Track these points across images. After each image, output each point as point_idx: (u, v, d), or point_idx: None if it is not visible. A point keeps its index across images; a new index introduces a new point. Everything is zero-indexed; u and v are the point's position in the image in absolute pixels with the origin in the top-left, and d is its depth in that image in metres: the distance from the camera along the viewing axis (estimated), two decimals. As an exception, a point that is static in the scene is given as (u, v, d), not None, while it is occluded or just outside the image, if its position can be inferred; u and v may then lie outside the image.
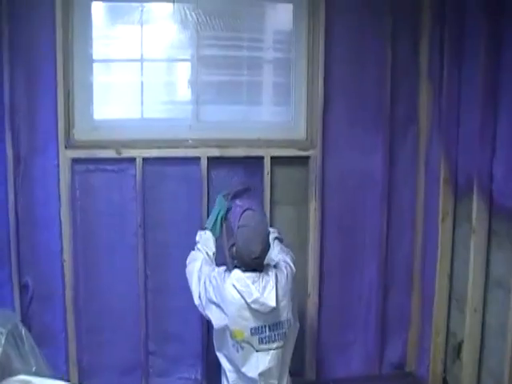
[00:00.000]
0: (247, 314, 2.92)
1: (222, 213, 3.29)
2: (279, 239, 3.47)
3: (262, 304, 2.89)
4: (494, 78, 3.37)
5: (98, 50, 3.79)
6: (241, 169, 3.88)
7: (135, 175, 3.73)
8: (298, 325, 3.15)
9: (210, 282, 3.02)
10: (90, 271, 3.80)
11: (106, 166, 3.74)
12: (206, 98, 3.92)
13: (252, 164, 3.87)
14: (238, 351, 2.98)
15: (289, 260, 3.20)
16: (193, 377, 3.99)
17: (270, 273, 3.00)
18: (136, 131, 3.81)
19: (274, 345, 2.98)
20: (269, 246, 3.10)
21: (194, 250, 3.31)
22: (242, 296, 2.90)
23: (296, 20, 3.95)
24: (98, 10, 3.78)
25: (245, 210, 3.12)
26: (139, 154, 3.72)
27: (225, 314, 2.94)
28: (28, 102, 3.62)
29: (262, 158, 3.84)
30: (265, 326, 2.95)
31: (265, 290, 2.92)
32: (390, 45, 3.91)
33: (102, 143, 3.72)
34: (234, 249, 3.03)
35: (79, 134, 3.74)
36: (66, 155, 3.64)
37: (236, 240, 3.02)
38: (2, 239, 3.64)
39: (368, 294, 4.10)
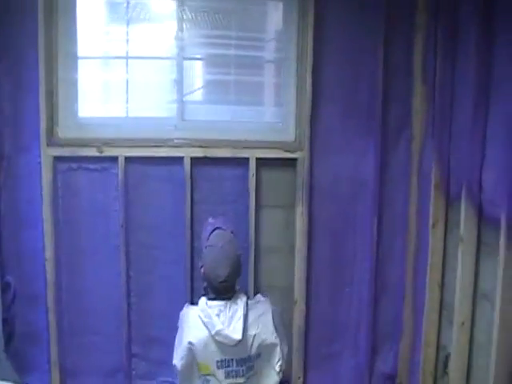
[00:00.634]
0: (213, 346, 2.80)
1: None
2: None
3: (226, 336, 2.75)
4: (486, 80, 3.14)
5: (84, 47, 3.67)
6: (226, 170, 3.72)
7: (117, 174, 3.62)
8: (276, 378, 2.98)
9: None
10: (73, 271, 3.69)
11: (88, 165, 3.63)
12: (192, 98, 3.79)
13: (238, 165, 3.71)
14: (207, 383, 2.86)
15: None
16: (176, 381, 3.86)
17: (239, 301, 2.86)
18: (120, 129, 3.69)
19: (241, 380, 2.86)
20: (239, 269, 2.94)
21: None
22: (207, 327, 2.78)
23: (286, 19, 3.78)
24: (83, 7, 3.65)
25: (214, 229, 3.03)
26: (121, 152, 3.60)
27: (189, 350, 2.82)
28: (13, 101, 3.55)
29: (247, 160, 3.70)
30: (231, 360, 2.82)
31: (231, 320, 2.78)
32: (382, 46, 3.69)
33: (85, 141, 3.62)
34: (202, 270, 2.92)
35: (63, 131, 3.64)
36: (48, 153, 3.55)
37: (204, 261, 2.92)
38: (-16, 237, 3.59)
39: (358, 303, 3.89)
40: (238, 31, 3.77)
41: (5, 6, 3.48)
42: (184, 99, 3.74)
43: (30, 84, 3.52)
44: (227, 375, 2.82)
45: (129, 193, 3.65)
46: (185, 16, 3.67)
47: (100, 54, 3.78)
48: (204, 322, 2.79)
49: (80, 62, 3.69)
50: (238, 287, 2.98)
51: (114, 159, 3.60)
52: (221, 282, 2.82)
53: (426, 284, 3.62)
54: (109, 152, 3.60)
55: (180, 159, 3.63)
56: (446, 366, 3.47)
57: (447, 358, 3.45)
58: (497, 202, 3.06)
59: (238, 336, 2.75)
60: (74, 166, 3.62)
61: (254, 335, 2.84)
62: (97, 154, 3.59)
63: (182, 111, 3.74)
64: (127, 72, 3.76)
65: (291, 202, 3.76)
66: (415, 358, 3.78)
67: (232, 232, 3.12)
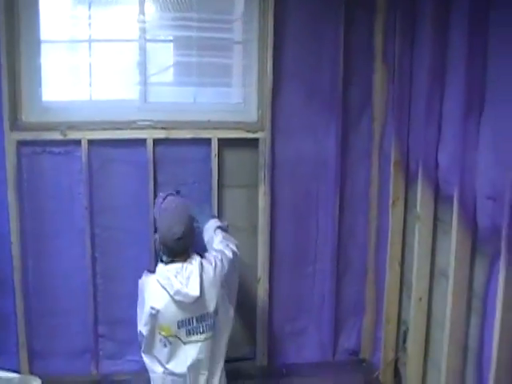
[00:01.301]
0: (173, 307, 2.77)
1: None
2: (222, 228, 3.27)
3: (185, 295, 2.74)
4: (441, 62, 3.09)
5: (47, 31, 3.58)
6: (190, 152, 3.66)
7: (81, 157, 3.55)
8: (231, 314, 2.97)
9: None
10: (39, 254, 3.63)
11: (52, 149, 3.56)
12: (156, 80, 3.70)
13: (201, 146, 3.64)
14: (165, 346, 2.82)
15: (228, 249, 3.01)
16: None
17: (193, 262, 2.85)
18: (84, 113, 3.61)
19: (203, 336, 2.84)
20: (193, 230, 2.94)
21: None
22: (166, 290, 2.76)
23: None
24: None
25: (166, 196, 3.05)
26: (84, 135, 3.53)
27: (151, 315, 2.78)
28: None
29: (209, 140, 3.63)
30: (192, 318, 2.80)
31: (188, 280, 2.77)
32: (343, 26, 3.63)
33: (49, 125, 3.54)
34: (158, 236, 2.89)
35: (28, 116, 3.56)
36: (12, 137, 3.47)
37: (159, 226, 2.91)
38: None
39: (321, 281, 3.86)
40: (201, 13, 3.66)
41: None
42: (147, 81, 3.66)
43: (-6, 69, 3.47)
44: (188, 333, 2.81)
45: (93, 176, 3.59)
46: (146, -2, 3.60)
47: (63, 37, 3.67)
48: (163, 285, 2.77)
49: (43, 47, 3.61)
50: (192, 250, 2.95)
51: (78, 142, 3.53)
52: (177, 240, 2.80)
53: (386, 261, 3.60)
54: (72, 135, 3.53)
55: (143, 141, 3.57)
56: (404, 340, 3.46)
57: (405, 332, 3.43)
58: (451, 180, 3.03)
59: (196, 293, 2.74)
60: (39, 149, 3.55)
61: (209, 292, 2.82)
62: (60, 138, 3.52)
63: (145, 93, 3.66)
64: (90, 55, 3.67)
65: (254, 181, 3.71)
66: (378, 334, 3.77)
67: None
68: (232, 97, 3.85)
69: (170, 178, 3.66)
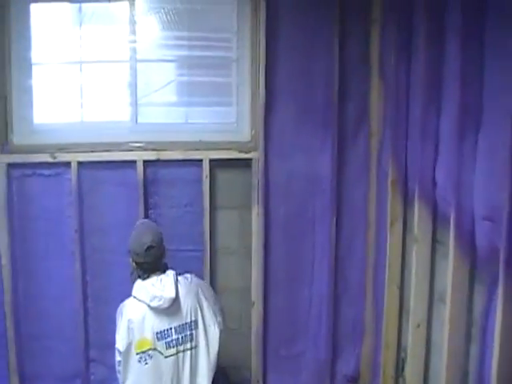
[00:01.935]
0: (151, 317, 2.68)
1: None
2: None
3: (161, 298, 2.65)
4: (437, 77, 2.82)
5: (38, 53, 3.42)
6: (181, 173, 3.44)
7: (71, 179, 3.35)
8: (217, 330, 2.81)
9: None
10: (30, 277, 3.46)
11: (42, 171, 3.38)
12: (146, 100, 3.49)
13: (192, 167, 3.42)
14: (146, 363, 2.69)
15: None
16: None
17: (169, 274, 2.77)
18: (75, 135, 3.43)
19: (182, 347, 2.73)
20: (162, 243, 2.81)
21: None
22: (143, 302, 2.68)
23: (239, 17, 3.46)
24: (36, 12, 3.40)
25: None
26: (74, 158, 3.34)
27: (129, 329, 2.67)
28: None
29: (201, 161, 3.40)
30: (170, 329, 2.71)
31: (164, 287, 2.69)
32: (338, 40, 3.37)
33: (39, 148, 3.38)
34: (130, 253, 2.80)
35: (18, 138, 3.40)
36: (1, 160, 3.31)
37: (130, 245, 2.81)
38: None
39: (318, 304, 3.57)
40: (192, 31, 3.47)
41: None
42: (138, 102, 3.46)
43: (-16, 91, 3.29)
44: (168, 346, 2.71)
45: (83, 198, 3.41)
46: (136, 18, 3.38)
47: (54, 59, 3.48)
48: (139, 299, 2.70)
49: (34, 68, 3.44)
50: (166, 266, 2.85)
51: (68, 164, 3.35)
52: (147, 249, 2.72)
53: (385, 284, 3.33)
54: (62, 157, 3.35)
55: (133, 163, 3.36)
56: (402, 369, 3.18)
57: (404, 360, 3.15)
58: (447, 199, 2.77)
59: (171, 294, 2.68)
60: (29, 172, 3.38)
61: (187, 302, 2.75)
62: (50, 160, 3.35)
63: (136, 115, 3.47)
64: (81, 77, 3.48)
65: (247, 202, 3.47)
66: (378, 359, 3.45)
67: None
68: (225, 116, 3.59)
69: (162, 200, 3.46)
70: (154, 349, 2.68)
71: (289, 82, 3.43)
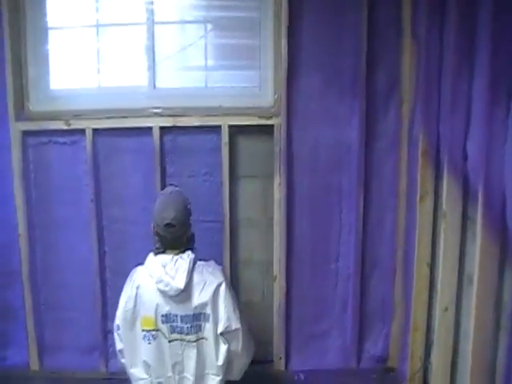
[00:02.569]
0: (157, 297, 2.47)
1: None
2: None
3: (167, 284, 2.43)
4: (469, 42, 2.52)
5: (54, 17, 3.23)
6: (199, 140, 3.20)
7: (86, 147, 3.20)
8: (237, 326, 2.52)
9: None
10: (48, 247, 3.33)
11: (58, 139, 3.23)
12: (164, 64, 3.24)
13: (212, 134, 3.18)
14: (150, 342, 2.50)
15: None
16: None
17: (185, 257, 2.51)
18: (91, 101, 3.24)
19: (187, 337, 2.49)
20: (186, 218, 2.56)
21: None
22: (152, 277, 2.47)
23: (262, -27, 3.16)
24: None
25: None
26: (89, 124, 3.17)
27: (138, 298, 2.50)
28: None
29: (220, 128, 3.16)
30: (176, 316, 2.48)
31: (176, 272, 2.46)
32: (367, 2, 3.04)
33: (54, 114, 3.22)
34: (152, 224, 2.58)
35: (34, 105, 3.25)
36: (17, 128, 3.18)
37: (154, 211, 2.57)
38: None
39: (345, 281, 3.31)
40: (211, -10, 3.20)
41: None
42: (156, 66, 3.23)
43: (-1, 59, 3.17)
44: (172, 330, 2.49)
45: (99, 166, 3.23)
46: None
47: (70, 23, 3.27)
48: (149, 272, 2.50)
49: (50, 33, 3.26)
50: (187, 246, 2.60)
51: (82, 132, 3.18)
52: (166, 226, 2.48)
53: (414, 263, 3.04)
54: (76, 125, 3.18)
55: (149, 130, 3.16)
56: (429, 354, 2.91)
57: (431, 345, 2.88)
58: (478, 173, 2.45)
59: (179, 285, 2.43)
60: (45, 139, 3.23)
61: (198, 295, 2.48)
62: (64, 127, 3.18)
63: (153, 79, 3.24)
64: (98, 41, 3.28)
65: (269, 172, 3.22)
66: (406, 341, 3.17)
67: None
68: (247, 80, 3.30)
69: (180, 169, 3.24)
70: (158, 330, 2.49)
71: (314, 44, 3.13)
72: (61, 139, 3.23)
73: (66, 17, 3.28)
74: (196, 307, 2.48)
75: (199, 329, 2.51)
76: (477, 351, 2.42)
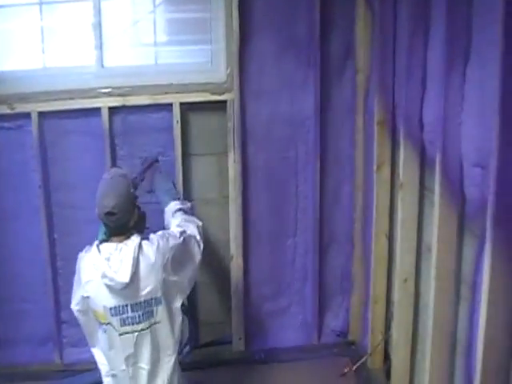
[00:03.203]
0: (104, 291, 2.27)
1: None
2: (184, 210, 2.65)
3: (112, 279, 2.22)
4: (424, 5, 2.40)
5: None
6: (151, 119, 3.05)
7: (32, 131, 3.01)
8: (177, 305, 2.40)
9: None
10: (-3, 235, 3.16)
11: (2, 123, 3.02)
12: (112, 42, 3.05)
13: (163, 113, 3.03)
14: (104, 332, 2.33)
15: (183, 232, 2.42)
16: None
17: (130, 243, 2.29)
18: (36, 83, 3.03)
19: (139, 326, 2.31)
20: (129, 205, 2.34)
21: None
22: (96, 270, 2.26)
23: None
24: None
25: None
26: (34, 108, 2.97)
27: (84, 296, 2.31)
28: None
29: (171, 106, 3.01)
30: (126, 306, 2.28)
31: (121, 264, 2.24)
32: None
33: (-1, 98, 3.03)
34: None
35: (-22, 89, 3.05)
36: (-40, 113, 2.98)
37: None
38: None
39: (303, 256, 3.22)
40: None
41: None
42: (104, 44, 3.04)
43: None
44: (123, 322, 2.30)
45: (46, 150, 3.05)
46: None
47: (12, 1, 3.07)
48: (93, 265, 2.29)
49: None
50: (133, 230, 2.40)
51: (28, 115, 2.98)
52: (107, 214, 2.27)
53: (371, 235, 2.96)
54: (21, 108, 2.98)
55: (98, 110, 2.98)
56: (389, 327, 2.84)
57: (391, 318, 2.80)
58: (434, 142, 2.36)
59: (124, 279, 2.24)
60: (-12, 125, 3.05)
61: (147, 281, 2.30)
62: (8, 112, 2.97)
63: (101, 58, 3.04)
64: (42, 19, 3.06)
65: (223, 148, 3.09)
66: (366, 315, 3.11)
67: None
68: (198, 56, 3.14)
69: (132, 150, 3.08)
70: (108, 323, 2.32)
71: (266, 14, 2.99)
72: (6, 124, 3.03)
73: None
74: (146, 293, 2.30)
75: (151, 314, 2.33)
76: (437, 322, 2.33)
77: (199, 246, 2.47)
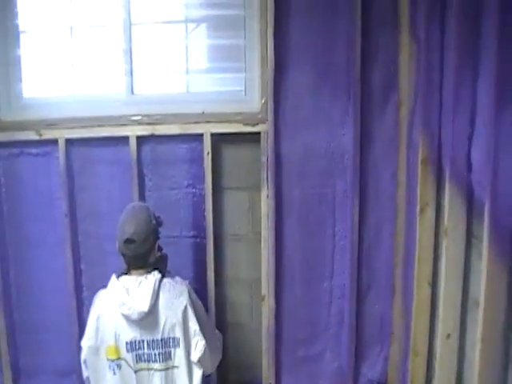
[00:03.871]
0: (121, 322, 2.20)
1: None
2: None
3: (130, 307, 2.15)
4: (473, 38, 2.16)
5: (25, 19, 2.90)
6: (181, 149, 2.88)
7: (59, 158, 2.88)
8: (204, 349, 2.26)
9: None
10: (21, 265, 3.00)
11: (30, 150, 2.91)
12: (143, 69, 2.91)
13: (194, 143, 2.85)
14: (114, 373, 2.22)
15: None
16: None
17: (150, 278, 2.23)
18: (65, 109, 2.90)
19: (155, 365, 2.22)
20: (149, 235, 2.28)
21: None
22: (113, 302, 2.21)
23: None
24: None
25: None
26: (61, 134, 2.84)
27: (97, 329, 2.23)
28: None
29: (202, 136, 2.83)
30: (142, 341, 2.21)
31: (140, 294, 2.19)
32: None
33: (26, 124, 2.87)
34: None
35: (6, 114, 2.91)
36: (-14, 139, 2.87)
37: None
38: None
39: (339, 300, 2.96)
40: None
41: None
42: (134, 71, 2.90)
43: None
44: (139, 359, 2.23)
45: (74, 178, 2.90)
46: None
47: (43, 26, 2.94)
48: (112, 296, 2.24)
49: (22, 37, 2.93)
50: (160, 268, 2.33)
51: (55, 142, 2.85)
52: (126, 242, 2.23)
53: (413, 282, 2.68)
54: (48, 135, 2.86)
55: (126, 139, 2.83)
56: (430, 381, 2.55)
57: (433, 372, 2.52)
58: (483, 184, 2.10)
59: (143, 308, 2.17)
60: (16, 151, 2.91)
61: (166, 316, 2.23)
62: (36, 138, 2.86)
63: (131, 84, 2.90)
64: (72, 45, 2.94)
65: (256, 183, 2.88)
66: (406, 365, 2.81)
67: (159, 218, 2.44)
68: (232, 84, 2.95)
69: (160, 181, 2.91)
70: (122, 359, 2.21)
71: (303, 43, 2.78)
72: (33, 150, 2.91)
73: (38, 19, 2.93)
74: (164, 331, 2.20)
75: (169, 356, 2.23)
76: (483, 383, 2.08)
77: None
